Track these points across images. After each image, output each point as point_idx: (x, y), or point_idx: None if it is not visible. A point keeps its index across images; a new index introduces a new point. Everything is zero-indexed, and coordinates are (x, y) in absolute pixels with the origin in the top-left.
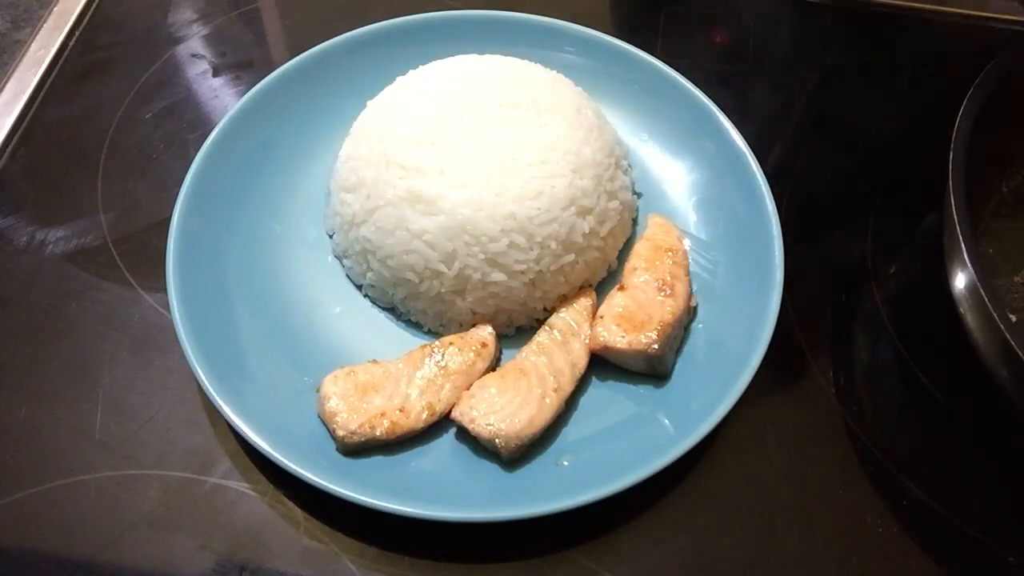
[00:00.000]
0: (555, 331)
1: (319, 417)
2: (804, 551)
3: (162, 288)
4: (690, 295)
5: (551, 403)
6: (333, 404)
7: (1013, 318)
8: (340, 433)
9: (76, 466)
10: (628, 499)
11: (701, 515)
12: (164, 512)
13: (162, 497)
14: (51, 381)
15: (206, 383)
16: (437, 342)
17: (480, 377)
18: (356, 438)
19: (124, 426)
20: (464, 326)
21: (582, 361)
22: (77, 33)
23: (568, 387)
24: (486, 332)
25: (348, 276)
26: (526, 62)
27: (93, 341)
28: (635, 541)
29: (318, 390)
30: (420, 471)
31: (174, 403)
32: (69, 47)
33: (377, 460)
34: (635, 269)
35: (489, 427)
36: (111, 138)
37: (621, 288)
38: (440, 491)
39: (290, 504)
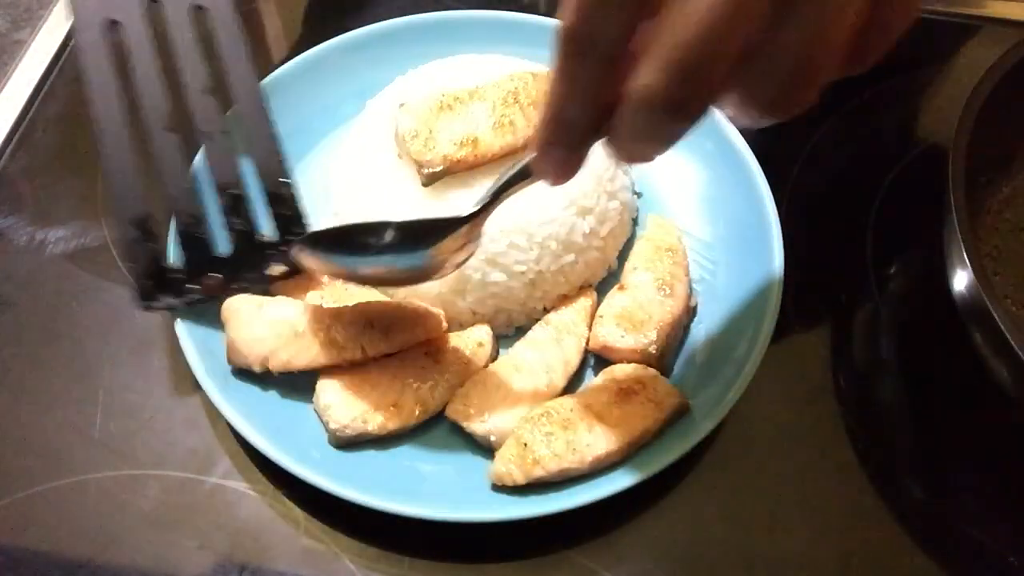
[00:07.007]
0: (550, 327)
1: (315, 409)
2: (804, 552)
3: None
4: (690, 295)
5: (543, 400)
6: (328, 397)
7: (1013, 318)
8: (332, 426)
9: (76, 466)
10: (628, 499)
11: (701, 515)
12: (164, 512)
13: (162, 497)
14: (51, 381)
15: (206, 383)
16: None
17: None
18: (348, 432)
19: (124, 426)
20: (464, 326)
21: (575, 358)
22: None
23: (560, 383)
24: (483, 332)
25: None
26: (526, 62)
27: (93, 341)
28: (635, 541)
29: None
30: (419, 471)
31: (174, 403)
32: (69, 47)
33: (377, 460)
34: (635, 269)
35: (483, 424)
36: None
37: (621, 288)
38: (439, 491)
39: (290, 504)
